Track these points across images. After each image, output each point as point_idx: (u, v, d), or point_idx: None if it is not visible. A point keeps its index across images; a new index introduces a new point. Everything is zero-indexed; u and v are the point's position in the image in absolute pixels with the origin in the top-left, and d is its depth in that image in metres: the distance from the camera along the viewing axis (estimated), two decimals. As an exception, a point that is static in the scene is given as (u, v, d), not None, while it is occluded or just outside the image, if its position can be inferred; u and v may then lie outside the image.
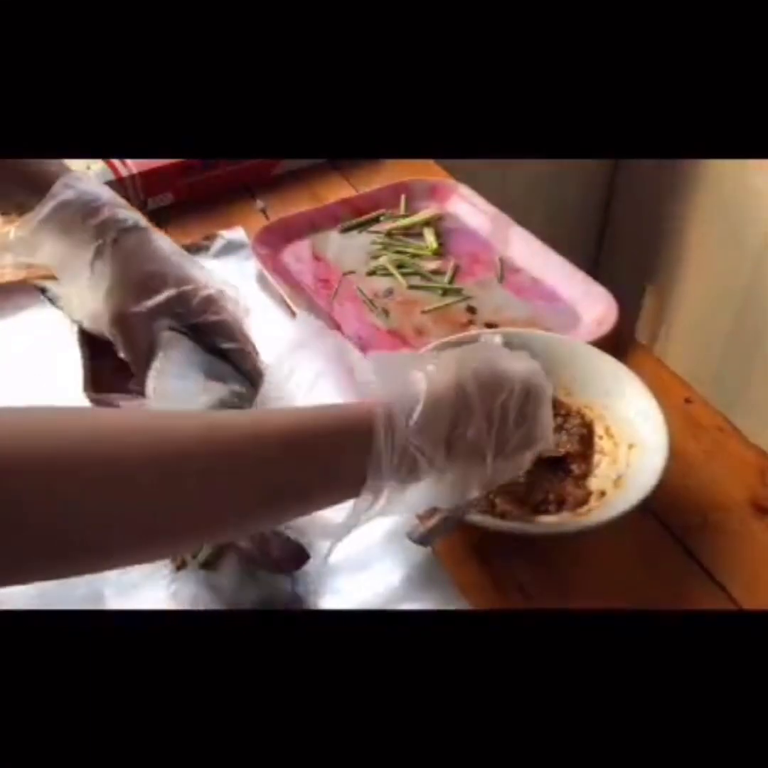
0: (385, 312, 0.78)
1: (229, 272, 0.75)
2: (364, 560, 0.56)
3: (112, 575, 0.55)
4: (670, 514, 0.58)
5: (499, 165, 0.98)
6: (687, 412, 0.66)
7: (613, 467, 0.59)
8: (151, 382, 0.54)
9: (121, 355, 0.56)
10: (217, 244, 0.85)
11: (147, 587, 0.55)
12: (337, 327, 0.76)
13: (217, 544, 0.56)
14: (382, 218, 0.90)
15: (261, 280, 0.80)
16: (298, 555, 0.52)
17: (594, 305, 0.76)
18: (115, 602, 0.54)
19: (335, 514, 0.44)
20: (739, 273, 1.15)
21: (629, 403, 0.61)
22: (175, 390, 0.53)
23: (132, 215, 0.58)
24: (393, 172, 0.97)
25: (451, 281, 0.82)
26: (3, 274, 0.74)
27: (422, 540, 0.53)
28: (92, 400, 0.56)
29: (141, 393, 0.54)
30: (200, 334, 0.57)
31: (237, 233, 0.87)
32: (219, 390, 0.53)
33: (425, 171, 0.96)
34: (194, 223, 0.89)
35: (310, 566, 0.56)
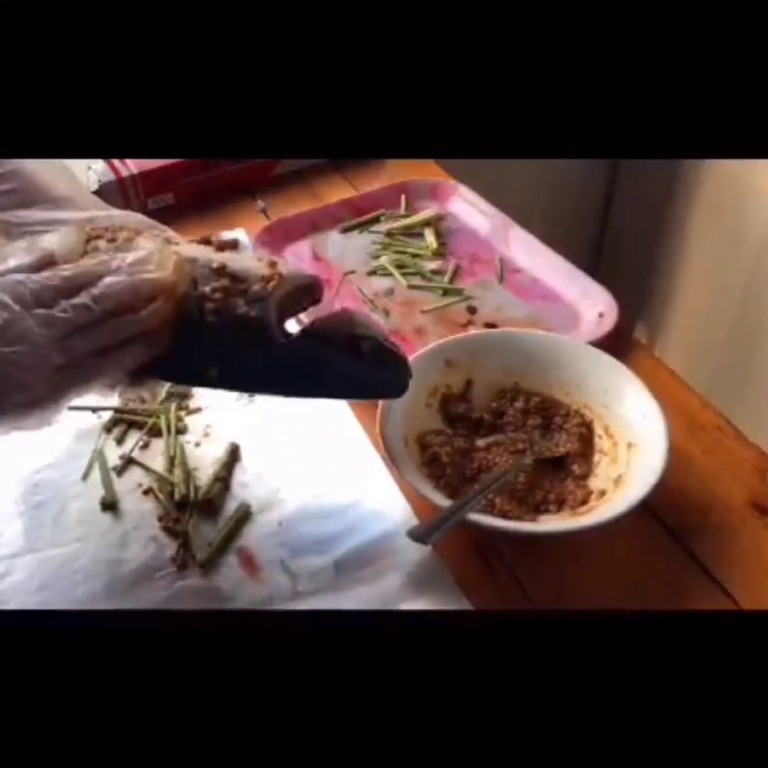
0: (386, 312, 0.78)
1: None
2: (364, 560, 0.56)
3: (112, 575, 0.56)
4: (669, 514, 0.59)
5: (499, 165, 0.98)
6: (687, 412, 0.66)
7: (613, 467, 0.59)
8: None
9: None
10: (218, 244, 0.85)
11: (147, 587, 0.55)
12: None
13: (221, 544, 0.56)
14: (382, 218, 0.90)
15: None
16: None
17: (594, 305, 0.76)
18: (115, 602, 0.54)
19: None
20: (738, 273, 1.15)
21: (629, 402, 0.61)
22: None
23: None
24: (393, 172, 0.97)
25: (451, 281, 0.82)
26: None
27: (422, 538, 0.53)
28: None
29: None
30: None
31: (237, 234, 0.87)
32: None
33: (425, 171, 0.96)
34: (194, 223, 0.89)
35: (310, 566, 0.56)
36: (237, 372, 0.50)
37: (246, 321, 0.49)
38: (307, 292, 0.54)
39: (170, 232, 0.56)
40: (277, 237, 0.85)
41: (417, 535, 0.53)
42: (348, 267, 0.83)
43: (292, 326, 0.53)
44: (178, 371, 0.52)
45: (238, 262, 0.52)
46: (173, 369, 0.52)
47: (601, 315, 0.74)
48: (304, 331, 0.52)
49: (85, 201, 0.57)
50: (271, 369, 0.51)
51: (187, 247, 0.53)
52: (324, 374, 0.52)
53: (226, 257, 0.52)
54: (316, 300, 0.55)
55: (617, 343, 0.71)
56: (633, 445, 0.59)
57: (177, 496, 0.60)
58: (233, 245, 0.54)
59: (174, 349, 0.50)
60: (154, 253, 0.49)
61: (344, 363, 0.52)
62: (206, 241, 0.54)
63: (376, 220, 0.90)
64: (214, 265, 0.51)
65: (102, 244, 0.50)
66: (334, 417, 0.66)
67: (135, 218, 0.56)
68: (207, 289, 0.50)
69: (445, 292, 0.80)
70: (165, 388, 0.68)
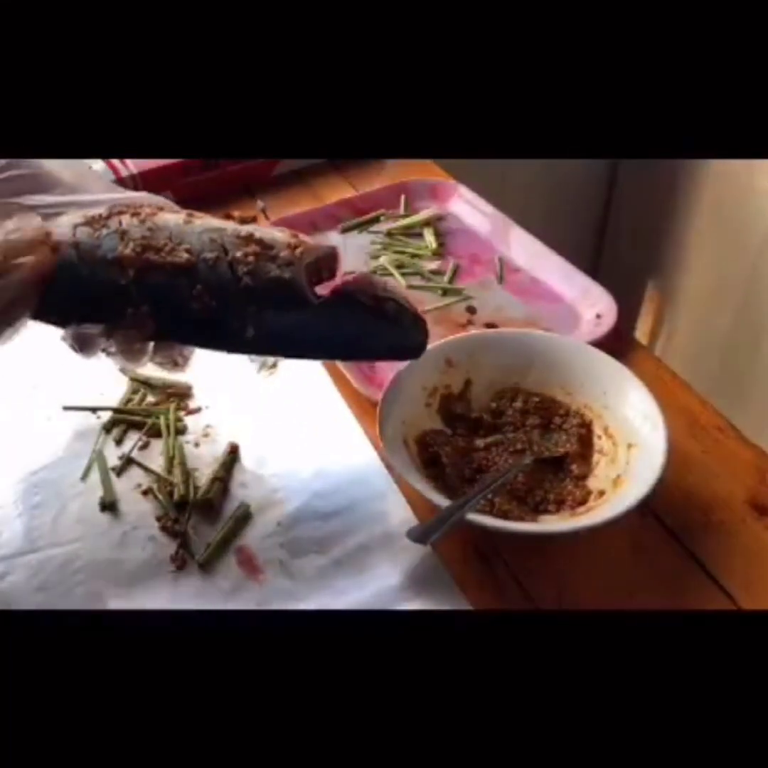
0: (385, 312, 0.78)
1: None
2: (364, 560, 0.56)
3: (111, 575, 0.56)
4: (669, 514, 0.58)
5: (499, 165, 0.98)
6: (687, 412, 0.66)
7: (612, 467, 0.59)
8: None
9: None
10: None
11: (147, 587, 0.55)
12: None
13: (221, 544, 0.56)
14: (382, 218, 0.90)
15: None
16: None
17: (594, 305, 0.76)
18: (115, 602, 0.54)
19: None
20: (738, 273, 1.15)
21: (629, 402, 0.61)
22: None
23: None
24: (393, 172, 0.97)
25: (451, 281, 0.82)
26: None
27: (421, 538, 0.53)
28: None
29: None
30: None
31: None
32: None
33: (425, 171, 0.96)
34: (194, 223, 0.89)
35: (309, 566, 0.56)
36: (271, 332, 0.53)
37: (280, 282, 0.52)
38: (327, 262, 0.56)
39: (189, 210, 0.57)
40: (276, 237, 0.85)
41: (416, 536, 0.53)
42: (348, 267, 0.82)
43: (319, 290, 0.55)
44: (213, 336, 0.54)
45: (263, 231, 0.54)
46: (208, 335, 0.53)
47: (598, 316, 0.74)
48: (333, 292, 0.54)
49: (99, 185, 0.57)
50: (303, 329, 0.54)
51: (213, 220, 0.54)
52: (351, 335, 0.55)
53: (253, 227, 0.54)
54: (333, 272, 0.57)
55: (617, 343, 0.71)
56: (633, 446, 0.59)
57: (176, 497, 0.60)
58: (253, 220, 0.55)
59: (208, 314, 0.51)
60: (13, 219, 0.50)
61: (370, 323, 0.55)
62: (228, 217, 0.55)
63: (375, 220, 0.90)
64: (243, 233, 0.53)
65: (126, 219, 0.52)
66: (333, 417, 0.66)
67: (153, 198, 0.57)
68: (239, 254, 0.52)
69: (445, 292, 0.80)
70: (164, 383, 0.69)
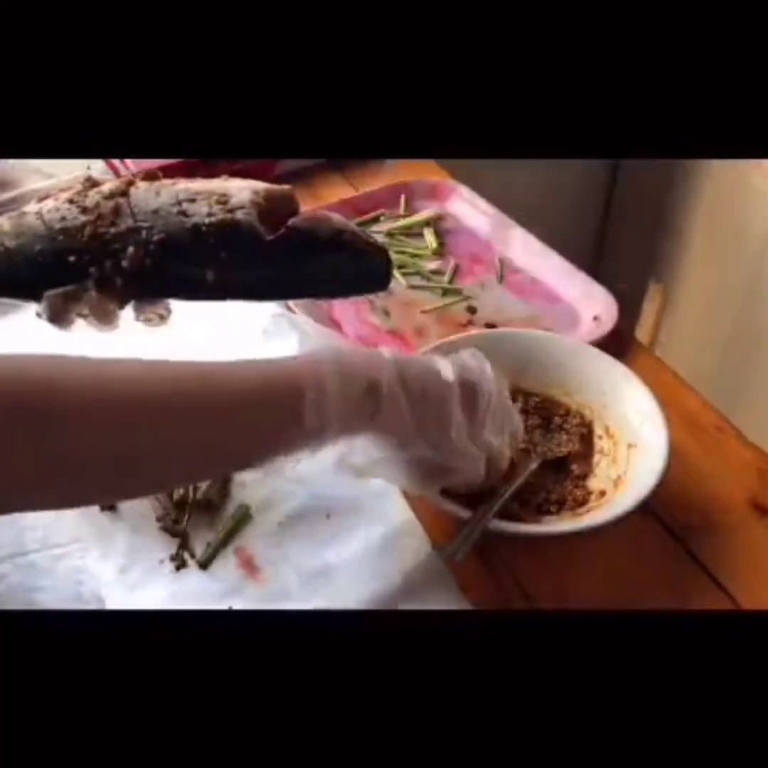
0: (385, 312, 0.78)
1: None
2: (364, 560, 0.56)
3: (111, 575, 0.55)
4: (670, 514, 0.58)
5: (499, 165, 0.98)
6: (687, 412, 0.66)
7: (613, 467, 0.59)
8: None
9: None
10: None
11: (147, 587, 0.55)
12: (338, 327, 0.76)
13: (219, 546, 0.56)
14: (382, 218, 0.90)
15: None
16: None
17: (594, 305, 0.76)
18: (115, 602, 0.54)
19: None
20: (739, 273, 1.15)
21: (629, 403, 0.61)
22: None
23: None
24: (393, 172, 0.97)
25: (451, 281, 0.82)
26: None
27: (453, 555, 0.52)
28: None
29: None
30: None
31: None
32: None
33: (425, 171, 0.96)
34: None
35: (310, 565, 0.56)
36: (230, 275, 0.53)
37: (231, 224, 0.52)
38: (285, 203, 0.56)
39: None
40: (277, 237, 0.85)
41: (447, 555, 0.53)
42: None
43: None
44: (177, 286, 0.54)
45: (218, 184, 0.55)
46: (172, 285, 0.53)
47: (596, 318, 0.74)
48: (288, 229, 0.54)
49: (35, 176, 0.57)
50: (261, 268, 0.54)
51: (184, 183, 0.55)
52: (312, 270, 0.55)
53: (209, 182, 0.55)
54: (294, 211, 0.56)
55: (617, 343, 0.71)
56: (633, 446, 0.59)
57: (176, 496, 0.60)
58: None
59: (168, 259, 0.52)
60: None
61: (328, 256, 0.55)
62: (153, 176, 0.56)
63: (376, 220, 0.90)
64: (196, 187, 0.54)
65: (92, 193, 0.53)
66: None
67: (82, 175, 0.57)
68: (193, 205, 0.53)
69: (445, 292, 0.80)
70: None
